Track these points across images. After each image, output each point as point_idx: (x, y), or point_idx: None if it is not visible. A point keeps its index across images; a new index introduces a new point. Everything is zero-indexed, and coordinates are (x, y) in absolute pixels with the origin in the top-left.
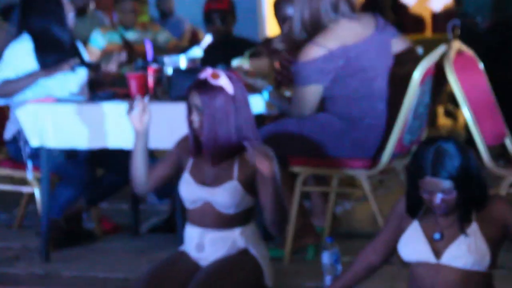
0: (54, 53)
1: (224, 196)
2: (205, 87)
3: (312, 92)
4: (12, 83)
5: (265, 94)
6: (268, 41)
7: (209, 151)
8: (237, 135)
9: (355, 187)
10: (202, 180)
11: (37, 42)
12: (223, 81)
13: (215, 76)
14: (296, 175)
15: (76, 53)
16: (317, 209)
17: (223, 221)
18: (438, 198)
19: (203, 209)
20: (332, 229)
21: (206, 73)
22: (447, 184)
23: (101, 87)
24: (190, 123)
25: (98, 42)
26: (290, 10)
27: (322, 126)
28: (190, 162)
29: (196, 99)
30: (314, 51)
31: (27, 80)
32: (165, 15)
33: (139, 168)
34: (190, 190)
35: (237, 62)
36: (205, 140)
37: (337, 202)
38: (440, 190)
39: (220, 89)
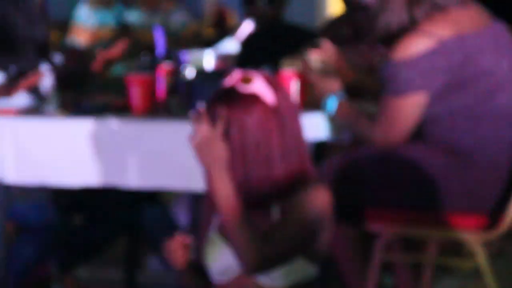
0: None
1: None
2: (232, 97)
3: (412, 105)
4: None
5: (332, 103)
6: (333, 27)
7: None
8: (282, 167)
9: (462, 257)
10: None
11: None
12: (259, 86)
13: (246, 80)
14: (375, 237)
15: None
16: None
17: None
18: None
19: (238, 284)
20: None
21: (233, 78)
22: None
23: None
24: None
25: (86, 19)
26: None
27: (417, 162)
28: (217, 216)
29: (218, 112)
30: (420, 43)
31: None
32: None
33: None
34: (217, 255)
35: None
36: (234, 177)
37: (435, 279)
38: None
39: (255, 99)
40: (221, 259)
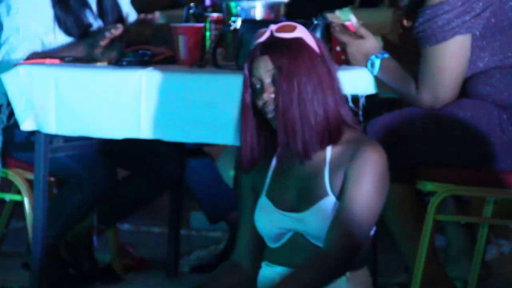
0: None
1: (318, 221)
2: (277, 44)
3: (455, 50)
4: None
5: (377, 62)
6: None
7: (295, 141)
8: (334, 113)
9: None
10: (285, 204)
11: None
12: (302, 31)
13: (288, 28)
14: (428, 196)
15: None
16: (456, 250)
17: None
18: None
19: (292, 244)
20: (478, 282)
21: (272, 28)
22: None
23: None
24: (252, 107)
25: None
26: None
27: (472, 119)
28: (267, 180)
29: (266, 64)
30: None
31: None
32: None
33: None
34: (271, 220)
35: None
36: (289, 123)
37: (489, 241)
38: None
39: (301, 43)
40: (275, 225)
